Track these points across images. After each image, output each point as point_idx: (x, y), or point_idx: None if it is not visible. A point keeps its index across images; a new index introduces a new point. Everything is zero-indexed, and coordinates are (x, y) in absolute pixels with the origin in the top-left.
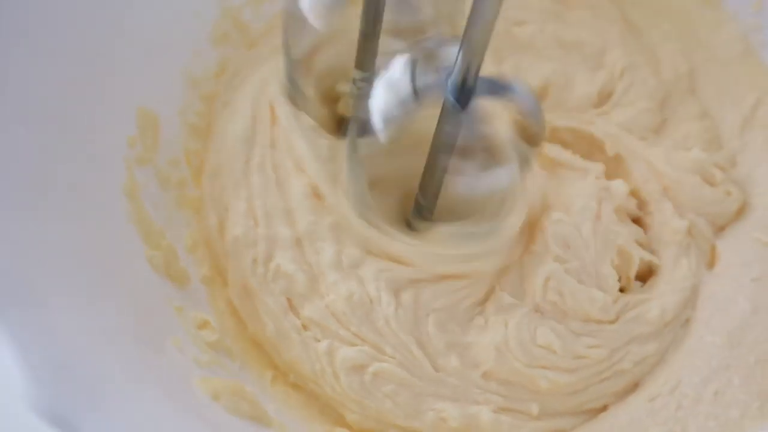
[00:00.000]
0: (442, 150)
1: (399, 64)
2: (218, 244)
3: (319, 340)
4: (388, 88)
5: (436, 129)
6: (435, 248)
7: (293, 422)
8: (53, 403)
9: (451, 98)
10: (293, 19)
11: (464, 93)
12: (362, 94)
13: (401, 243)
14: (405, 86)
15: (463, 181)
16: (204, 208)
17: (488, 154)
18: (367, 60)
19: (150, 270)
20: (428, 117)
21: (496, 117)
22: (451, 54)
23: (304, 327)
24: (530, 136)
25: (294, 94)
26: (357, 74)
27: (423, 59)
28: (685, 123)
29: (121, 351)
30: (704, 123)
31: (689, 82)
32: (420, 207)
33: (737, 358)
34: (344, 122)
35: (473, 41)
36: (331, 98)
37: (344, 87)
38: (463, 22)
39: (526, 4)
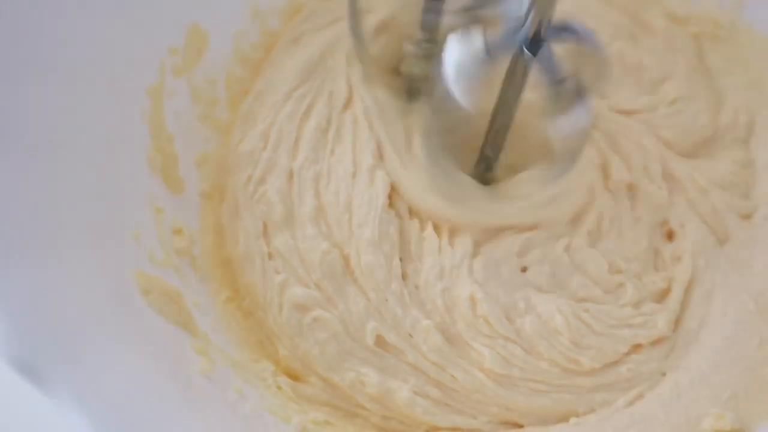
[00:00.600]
0: (513, 100)
1: (470, 30)
2: (228, 161)
3: (279, 273)
4: (460, 47)
5: (506, 81)
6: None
7: (226, 342)
8: (23, 351)
9: (523, 48)
10: None
11: (535, 42)
12: (427, 55)
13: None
14: (478, 43)
15: (546, 124)
16: (233, 128)
17: (566, 95)
18: (431, 20)
19: (146, 167)
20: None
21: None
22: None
23: (270, 256)
24: (595, 73)
25: (359, 51)
26: (422, 35)
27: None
28: (724, 162)
29: (96, 303)
30: (746, 170)
31: (745, 133)
32: (486, 159)
33: None
34: (406, 82)
35: None
36: (395, 57)
37: (408, 47)
38: None
39: (601, 16)
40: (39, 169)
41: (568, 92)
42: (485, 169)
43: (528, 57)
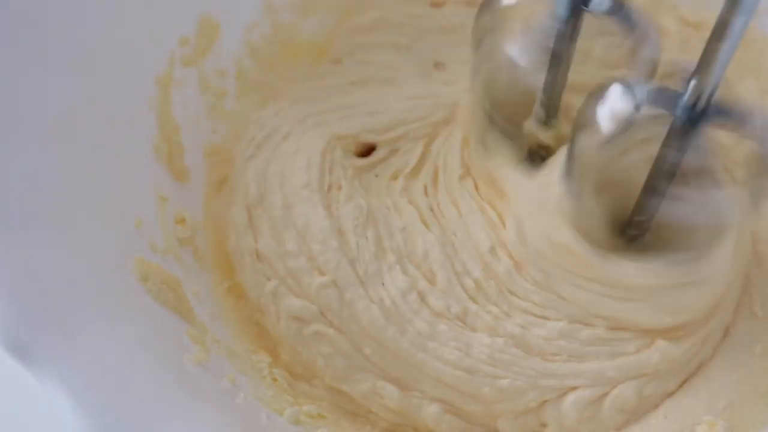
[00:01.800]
0: (664, 174)
1: (618, 85)
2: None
3: (269, 279)
4: (615, 97)
5: (660, 150)
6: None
7: (224, 332)
8: (15, 331)
9: (681, 118)
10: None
11: (696, 114)
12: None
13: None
14: (627, 101)
15: (680, 207)
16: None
17: (711, 181)
18: (556, 96)
19: (152, 156)
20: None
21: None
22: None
23: (258, 257)
24: (760, 168)
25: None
26: (545, 111)
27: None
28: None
29: (93, 287)
30: None
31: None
32: (632, 229)
33: None
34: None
35: (715, 59)
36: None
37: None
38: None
39: None
40: (45, 153)
41: (706, 178)
42: (636, 236)
43: (684, 126)
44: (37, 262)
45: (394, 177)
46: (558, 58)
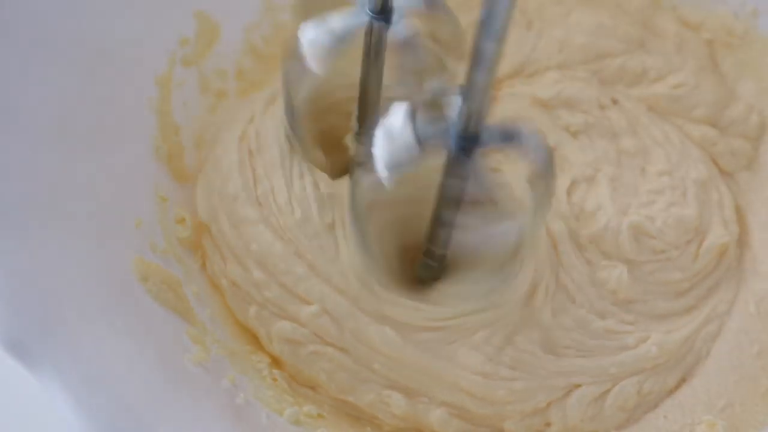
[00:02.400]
0: (449, 202)
1: (400, 112)
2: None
3: (249, 305)
4: (389, 136)
5: (442, 180)
6: (439, 309)
7: (223, 332)
8: (14, 330)
9: (453, 147)
10: (294, 62)
11: (469, 141)
12: (362, 145)
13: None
14: (407, 134)
15: (468, 235)
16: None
17: (494, 206)
18: (368, 111)
19: (152, 156)
20: (433, 166)
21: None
22: (454, 101)
23: (233, 284)
24: (538, 185)
25: (293, 141)
26: (356, 126)
27: (425, 106)
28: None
29: (93, 287)
30: None
31: (755, 132)
32: (429, 259)
33: None
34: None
35: (474, 85)
36: (332, 147)
37: (347, 138)
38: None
39: (612, 33)
40: (44, 153)
41: (489, 204)
42: (427, 269)
43: (458, 156)
44: (37, 262)
45: None
46: (364, 69)
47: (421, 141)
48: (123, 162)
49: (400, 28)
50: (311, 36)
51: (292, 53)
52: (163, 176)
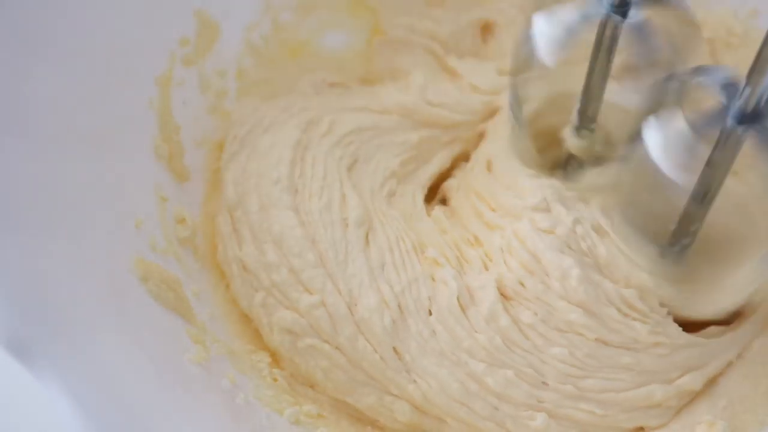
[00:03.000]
0: (717, 180)
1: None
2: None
3: (256, 290)
4: (664, 130)
5: (711, 160)
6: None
7: (223, 332)
8: (15, 331)
9: (736, 125)
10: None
11: (751, 118)
12: (582, 140)
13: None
14: (679, 123)
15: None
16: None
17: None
18: (590, 105)
19: (152, 156)
20: None
21: None
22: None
23: (244, 268)
24: None
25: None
26: (576, 120)
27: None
28: None
29: (93, 287)
30: None
31: None
32: (678, 243)
33: None
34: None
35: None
36: (544, 140)
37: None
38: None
39: None
40: (44, 153)
41: None
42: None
43: (742, 133)
44: (37, 263)
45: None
46: (593, 63)
47: (698, 129)
48: (123, 162)
49: (636, 18)
50: (544, 28)
51: (524, 42)
52: (163, 176)
